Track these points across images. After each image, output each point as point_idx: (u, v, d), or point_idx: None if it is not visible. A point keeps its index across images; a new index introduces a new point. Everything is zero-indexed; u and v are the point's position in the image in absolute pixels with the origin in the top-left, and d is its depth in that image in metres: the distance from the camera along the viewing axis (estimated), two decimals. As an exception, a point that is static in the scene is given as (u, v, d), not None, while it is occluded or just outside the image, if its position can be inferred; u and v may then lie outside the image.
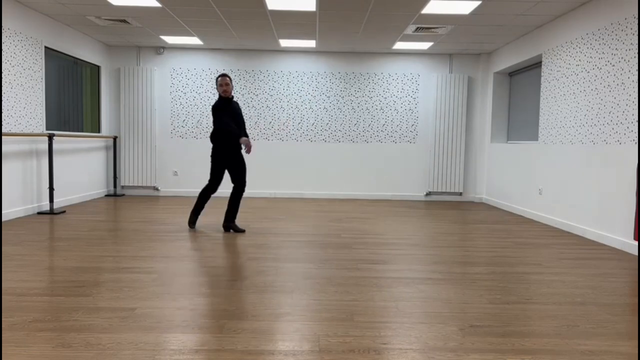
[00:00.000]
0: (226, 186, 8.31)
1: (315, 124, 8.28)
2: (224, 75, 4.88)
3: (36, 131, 6.07)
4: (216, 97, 8.20)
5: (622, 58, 4.62)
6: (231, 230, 5.08)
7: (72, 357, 2.11)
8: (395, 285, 3.26)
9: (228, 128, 4.80)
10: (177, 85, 8.20)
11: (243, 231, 5.06)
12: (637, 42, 4.41)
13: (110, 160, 8.24)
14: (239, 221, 5.72)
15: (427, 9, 5.57)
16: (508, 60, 7.26)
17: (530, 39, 6.56)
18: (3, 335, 2.33)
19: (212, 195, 8.27)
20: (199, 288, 3.12)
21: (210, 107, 4.88)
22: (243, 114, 8.24)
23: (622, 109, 4.60)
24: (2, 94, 5.44)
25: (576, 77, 5.41)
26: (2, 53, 5.42)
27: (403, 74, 8.24)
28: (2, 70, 5.43)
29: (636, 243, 4.36)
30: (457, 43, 7.30)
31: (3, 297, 2.88)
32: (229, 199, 5.04)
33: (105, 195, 8.02)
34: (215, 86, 5.14)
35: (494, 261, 4.01)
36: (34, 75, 6.04)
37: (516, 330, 2.50)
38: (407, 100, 8.26)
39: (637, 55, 4.41)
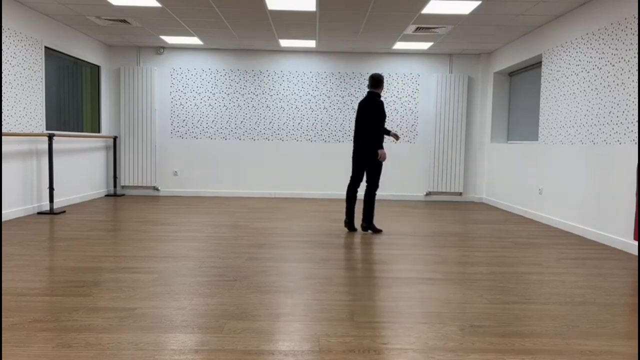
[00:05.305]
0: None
1: (315, 124, 8.28)
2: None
3: (36, 131, 6.07)
4: (216, 96, 8.20)
5: (622, 58, 4.62)
6: (369, 231, 5.21)
7: (72, 357, 2.11)
8: (395, 285, 3.26)
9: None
10: (177, 85, 8.20)
11: (380, 231, 5.18)
12: (637, 42, 4.41)
13: (110, 160, 8.24)
14: (233, 219, 5.73)
15: (427, 9, 5.57)
16: (508, 60, 7.26)
17: (530, 39, 6.56)
18: (3, 335, 2.33)
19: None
20: (199, 288, 3.12)
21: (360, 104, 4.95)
22: (246, 113, 8.25)
23: (622, 109, 4.60)
24: (2, 94, 5.44)
25: (576, 77, 5.41)
26: (2, 53, 5.42)
27: (403, 74, 8.24)
28: (2, 70, 5.43)
29: (636, 243, 4.36)
30: (457, 43, 7.30)
31: (3, 297, 2.88)
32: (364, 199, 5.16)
33: (105, 195, 8.02)
34: (381, 86, 5.04)
35: (494, 261, 4.01)
36: (34, 75, 6.04)
37: (516, 330, 2.50)
38: (407, 100, 8.26)
39: (637, 55, 4.41)
